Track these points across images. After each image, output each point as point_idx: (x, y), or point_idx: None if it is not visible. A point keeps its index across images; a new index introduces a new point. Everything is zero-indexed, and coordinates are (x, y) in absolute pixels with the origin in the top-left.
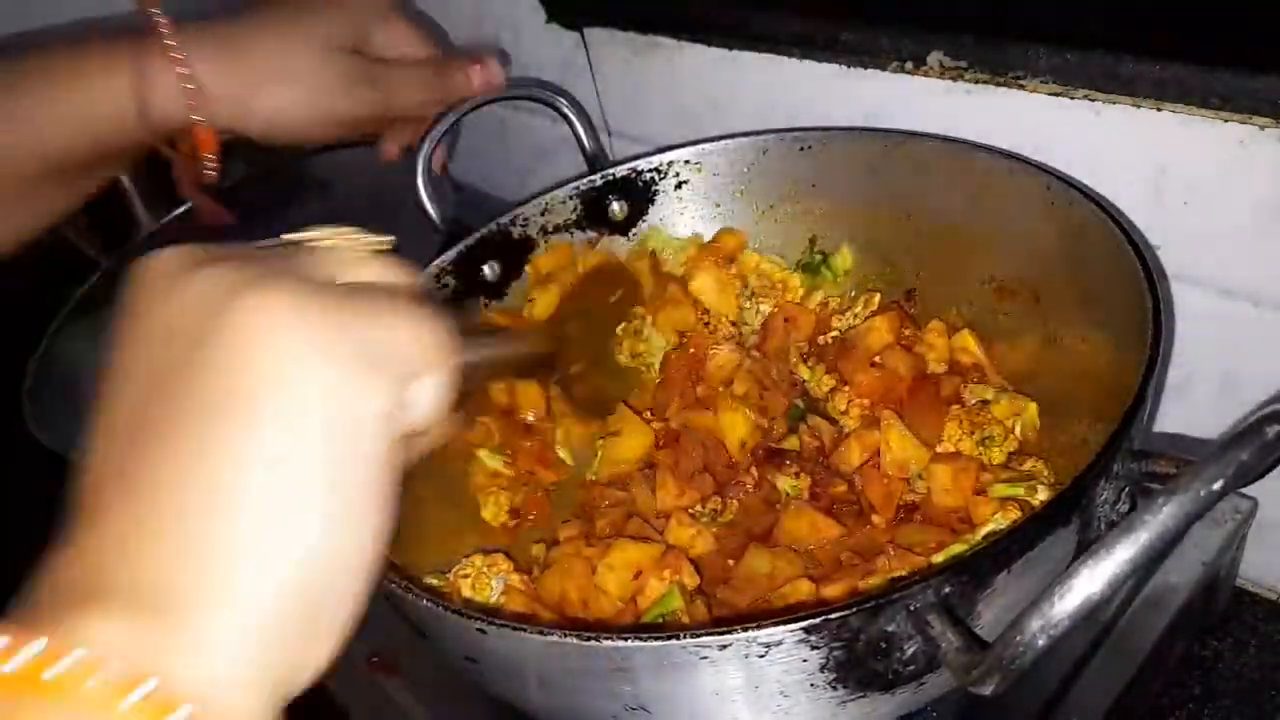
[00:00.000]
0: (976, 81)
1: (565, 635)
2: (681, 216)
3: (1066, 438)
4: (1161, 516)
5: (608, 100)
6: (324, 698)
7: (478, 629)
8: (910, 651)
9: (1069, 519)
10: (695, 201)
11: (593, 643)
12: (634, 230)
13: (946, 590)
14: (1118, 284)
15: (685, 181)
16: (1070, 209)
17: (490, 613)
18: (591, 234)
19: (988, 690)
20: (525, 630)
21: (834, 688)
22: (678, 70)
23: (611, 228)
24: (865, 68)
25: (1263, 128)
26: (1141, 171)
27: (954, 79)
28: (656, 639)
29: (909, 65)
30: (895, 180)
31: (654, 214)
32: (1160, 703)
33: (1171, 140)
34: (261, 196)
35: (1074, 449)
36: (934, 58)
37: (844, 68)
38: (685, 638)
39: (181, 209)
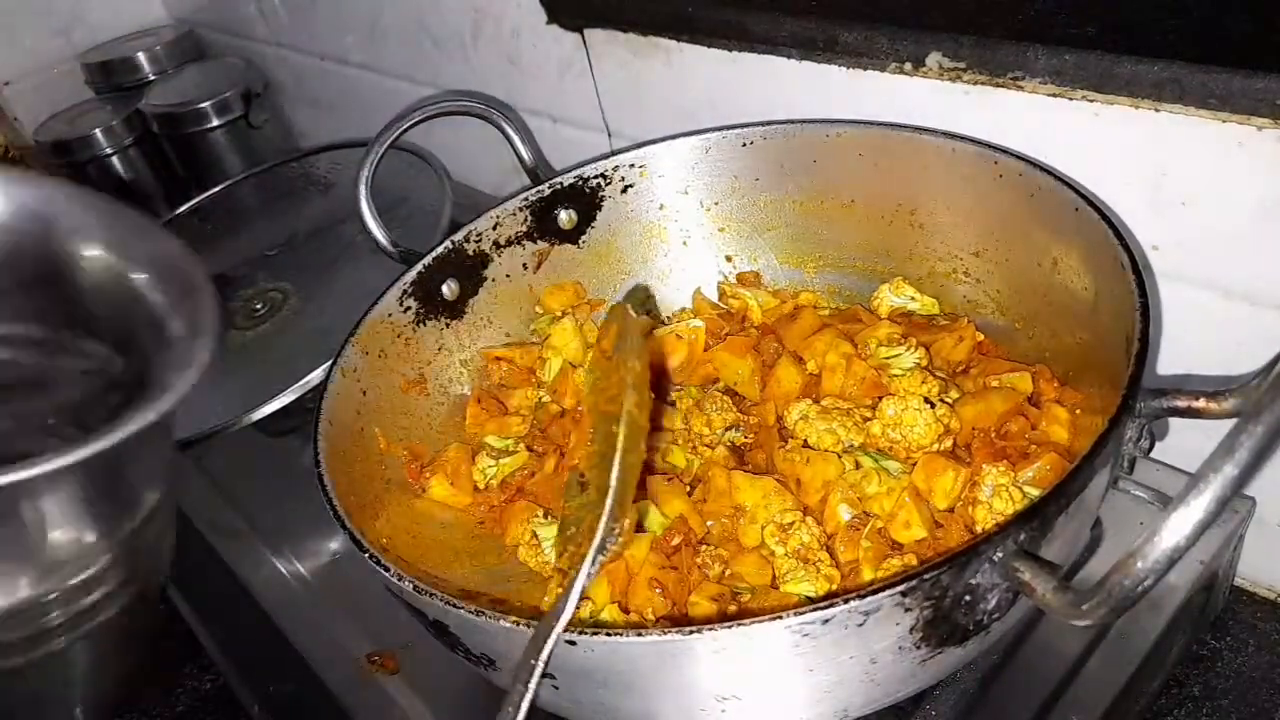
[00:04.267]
0: (975, 83)
1: (666, 632)
2: (629, 220)
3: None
4: (1239, 451)
5: (608, 101)
6: (324, 698)
7: (566, 641)
8: (994, 601)
9: (1108, 457)
10: (641, 204)
11: (696, 635)
12: (583, 238)
13: (1022, 537)
14: (1081, 236)
15: (630, 185)
16: (1020, 179)
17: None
18: (543, 244)
19: (1089, 623)
20: (623, 635)
21: (918, 647)
22: (678, 70)
23: (562, 237)
24: (864, 69)
25: (1261, 128)
26: (1140, 172)
27: (953, 80)
28: (757, 622)
29: (908, 66)
30: (837, 169)
31: (601, 220)
32: (1159, 702)
33: (1170, 141)
34: (262, 196)
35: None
36: (933, 59)
37: (843, 69)
38: (789, 617)
39: (184, 208)
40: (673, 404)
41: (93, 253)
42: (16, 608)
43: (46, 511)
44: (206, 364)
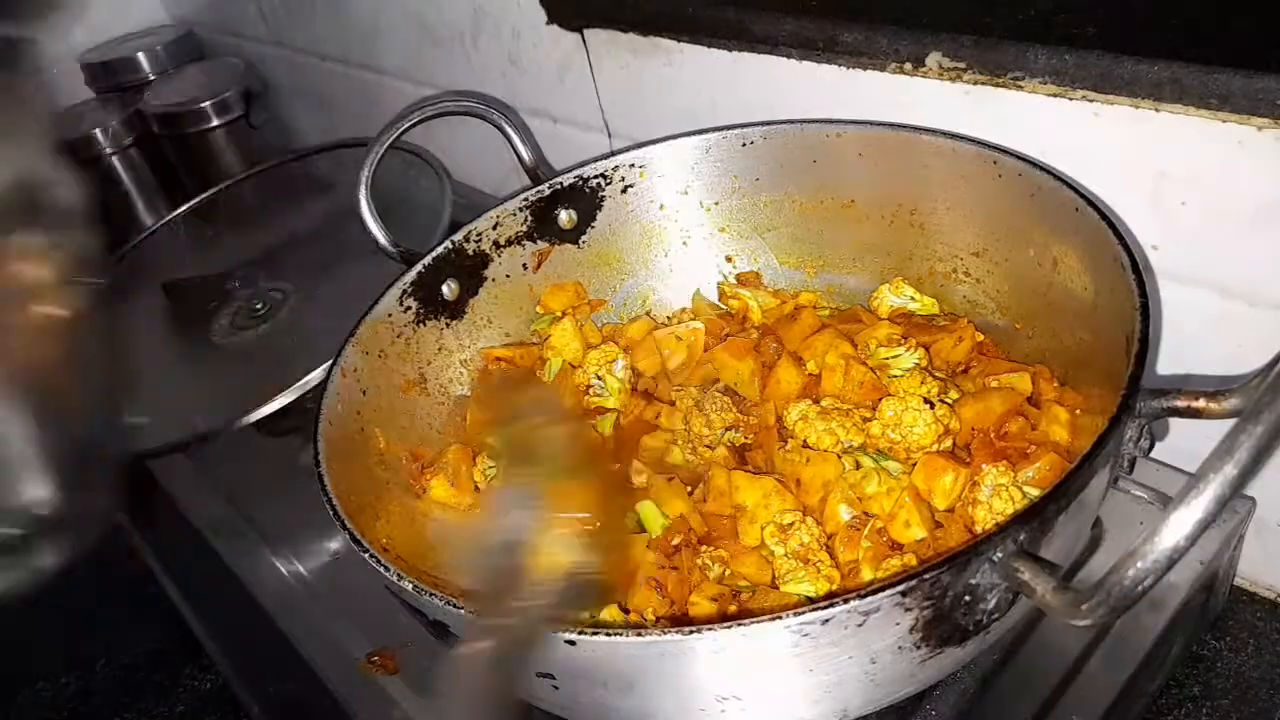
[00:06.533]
0: (975, 82)
1: (666, 633)
2: (629, 220)
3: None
4: (1239, 451)
5: (607, 101)
6: (324, 698)
7: (566, 641)
8: (994, 601)
9: (1108, 457)
10: (641, 204)
11: (695, 635)
12: (583, 238)
13: (1022, 537)
14: (1081, 236)
15: (631, 185)
16: (1020, 179)
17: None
18: (543, 244)
19: (1088, 623)
20: (623, 635)
21: (918, 648)
22: (678, 71)
23: (562, 237)
24: (864, 69)
25: (1261, 128)
26: (1140, 172)
27: (952, 80)
28: (757, 623)
29: (908, 66)
30: (837, 169)
31: (602, 220)
32: (1159, 702)
33: (1170, 141)
34: (262, 196)
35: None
36: (933, 59)
37: (843, 69)
38: (789, 617)
39: (184, 208)
40: (672, 404)
41: None
42: None
43: None
44: None
